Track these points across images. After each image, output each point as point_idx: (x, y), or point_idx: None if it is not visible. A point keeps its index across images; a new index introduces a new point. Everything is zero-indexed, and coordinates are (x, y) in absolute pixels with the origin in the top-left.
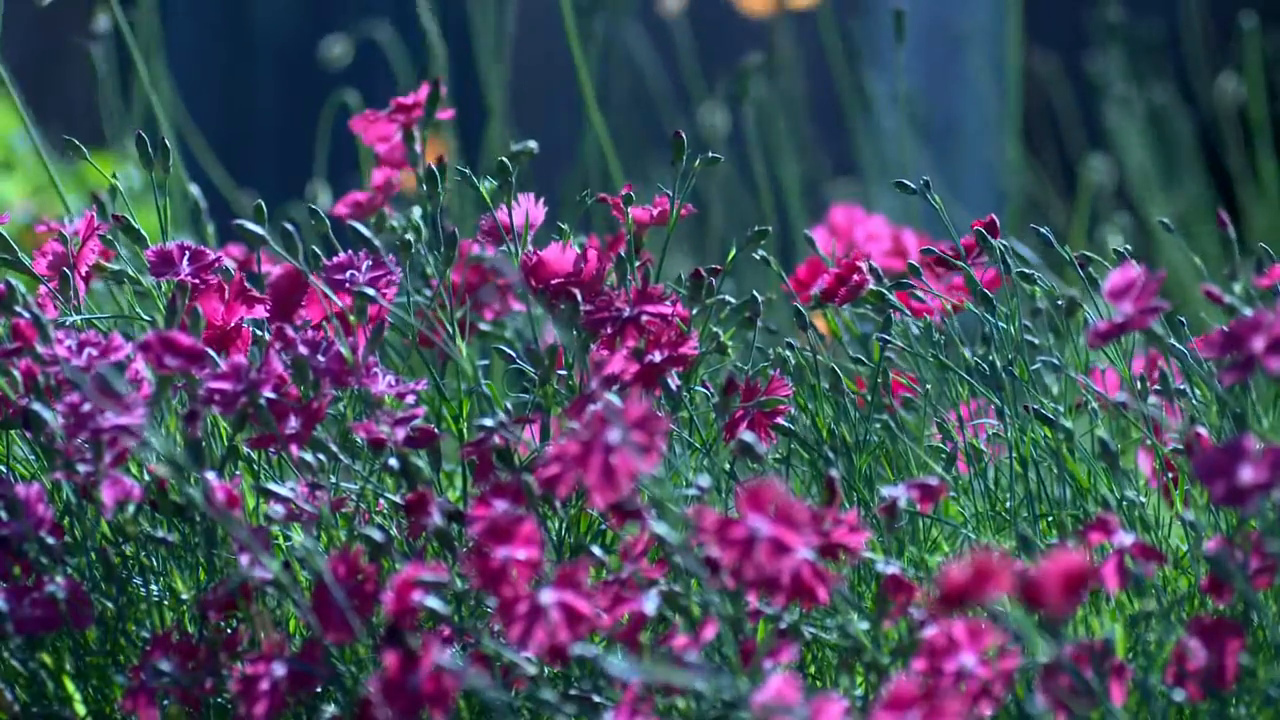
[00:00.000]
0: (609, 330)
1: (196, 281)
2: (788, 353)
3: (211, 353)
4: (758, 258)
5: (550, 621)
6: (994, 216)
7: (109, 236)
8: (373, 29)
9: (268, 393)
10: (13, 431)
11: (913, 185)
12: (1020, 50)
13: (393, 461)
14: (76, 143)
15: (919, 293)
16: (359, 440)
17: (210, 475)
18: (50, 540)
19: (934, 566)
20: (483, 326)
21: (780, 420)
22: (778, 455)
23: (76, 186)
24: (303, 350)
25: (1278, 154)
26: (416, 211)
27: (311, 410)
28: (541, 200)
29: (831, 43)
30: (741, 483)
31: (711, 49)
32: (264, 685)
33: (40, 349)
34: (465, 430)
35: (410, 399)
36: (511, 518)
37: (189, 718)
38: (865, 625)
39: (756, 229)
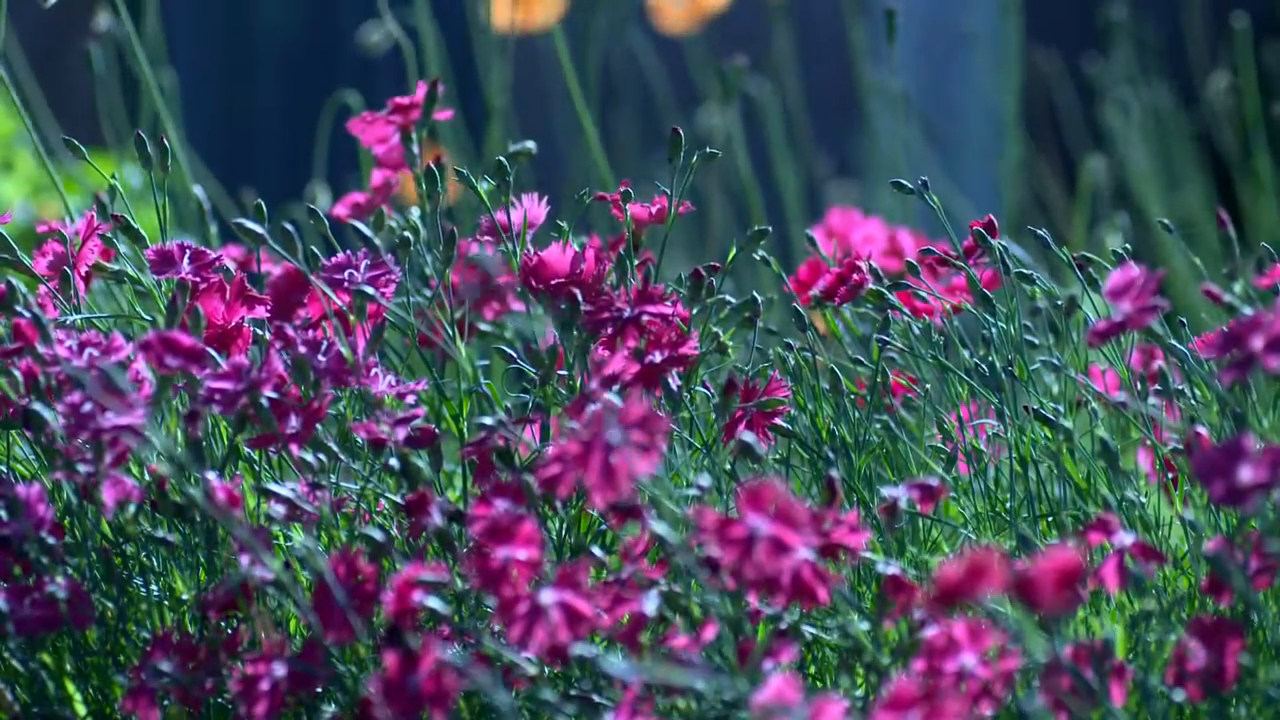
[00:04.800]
0: (609, 330)
1: (197, 280)
2: (787, 353)
3: (212, 352)
4: (757, 258)
5: (550, 622)
6: (992, 217)
7: (109, 236)
8: (393, 23)
9: (268, 392)
10: (13, 431)
11: (910, 185)
12: (1022, 50)
13: (393, 461)
14: (76, 143)
15: (920, 292)
16: (359, 440)
17: (211, 475)
18: (51, 540)
19: (934, 567)
20: (483, 326)
21: (779, 421)
22: (778, 456)
23: (79, 187)
24: (303, 350)
25: (1274, 154)
26: (415, 212)
27: (312, 410)
28: (544, 200)
29: (832, 43)
30: (741, 483)
31: (712, 50)
32: (264, 685)
33: (41, 349)
34: (465, 430)
35: (410, 399)
36: (512, 518)
37: (189, 718)
38: (865, 626)
39: (756, 229)
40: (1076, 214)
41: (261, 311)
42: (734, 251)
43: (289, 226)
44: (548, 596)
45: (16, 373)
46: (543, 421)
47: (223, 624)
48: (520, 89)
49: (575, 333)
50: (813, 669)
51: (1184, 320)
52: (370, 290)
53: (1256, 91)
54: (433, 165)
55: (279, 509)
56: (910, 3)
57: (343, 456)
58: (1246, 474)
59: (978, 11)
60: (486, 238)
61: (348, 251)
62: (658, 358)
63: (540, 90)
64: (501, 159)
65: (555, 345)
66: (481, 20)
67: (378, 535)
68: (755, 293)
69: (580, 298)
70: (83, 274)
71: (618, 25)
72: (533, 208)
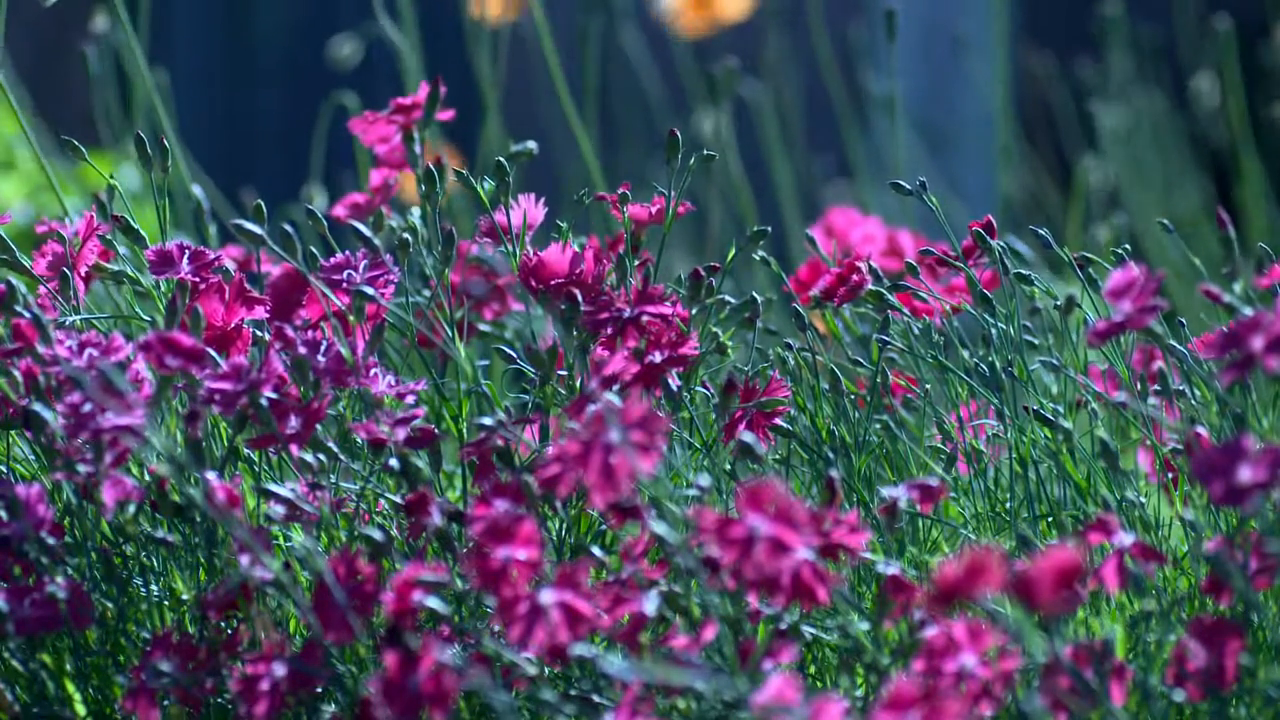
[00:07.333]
0: (609, 331)
1: (197, 280)
2: (787, 353)
3: (212, 353)
4: (757, 258)
5: (550, 622)
6: (990, 217)
7: (108, 237)
8: (376, 29)
9: (268, 393)
10: (13, 432)
11: (908, 186)
12: (1015, 51)
13: (393, 461)
14: (75, 143)
15: (919, 293)
16: (359, 440)
17: (211, 475)
18: (51, 540)
19: (934, 567)
20: (483, 326)
21: (779, 421)
22: (778, 456)
23: (77, 188)
24: (303, 350)
25: (1265, 154)
26: (415, 212)
27: (312, 410)
28: (541, 201)
29: (830, 45)
30: (741, 483)
31: (711, 50)
32: (264, 685)
33: (41, 349)
34: (465, 430)
35: (410, 399)
36: (511, 518)
37: (189, 718)
38: (865, 626)
39: (755, 230)
40: (1071, 214)
41: (261, 312)
42: (733, 252)
43: (288, 227)
44: (548, 596)
45: (16, 373)
46: (543, 421)
47: (223, 624)
48: (517, 88)
49: (575, 333)
50: (813, 669)
51: (1183, 321)
52: (369, 290)
53: (1242, 93)
54: (432, 165)
55: (279, 509)
56: (910, 4)
57: (343, 457)
58: (1246, 474)
59: (976, 12)
60: (486, 238)
61: (346, 252)
62: (658, 358)
63: (537, 90)
64: (501, 159)
65: (555, 345)
66: (476, 19)
67: (378, 535)
68: (755, 293)
69: (580, 298)
70: (82, 274)
71: (614, 26)
72: (531, 208)
